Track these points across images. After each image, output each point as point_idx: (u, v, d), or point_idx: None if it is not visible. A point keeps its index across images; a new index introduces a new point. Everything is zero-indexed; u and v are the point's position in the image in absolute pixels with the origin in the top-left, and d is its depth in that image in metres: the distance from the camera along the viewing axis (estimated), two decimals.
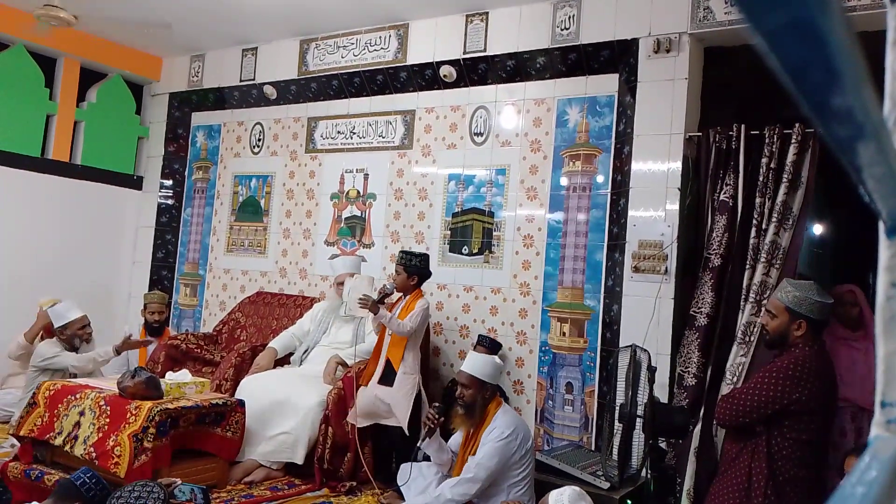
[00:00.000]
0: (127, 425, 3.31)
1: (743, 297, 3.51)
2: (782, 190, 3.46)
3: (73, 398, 3.59)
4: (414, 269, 4.04)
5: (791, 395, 2.53)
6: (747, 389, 2.68)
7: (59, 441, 3.47)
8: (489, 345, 4.28)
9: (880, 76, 0.53)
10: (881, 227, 0.58)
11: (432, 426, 3.25)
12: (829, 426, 2.68)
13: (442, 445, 3.37)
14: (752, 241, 3.52)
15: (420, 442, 3.37)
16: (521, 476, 3.21)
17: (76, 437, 3.42)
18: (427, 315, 4.05)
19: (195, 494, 2.64)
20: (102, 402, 3.47)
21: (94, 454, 3.29)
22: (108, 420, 3.39)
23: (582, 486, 2.70)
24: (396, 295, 4.14)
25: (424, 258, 4.11)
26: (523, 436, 3.24)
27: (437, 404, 3.39)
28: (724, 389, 3.37)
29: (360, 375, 4.03)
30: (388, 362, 3.99)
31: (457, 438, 3.44)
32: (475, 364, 3.30)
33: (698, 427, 3.49)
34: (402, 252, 4.18)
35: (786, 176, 3.46)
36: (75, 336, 4.29)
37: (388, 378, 3.98)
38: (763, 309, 3.08)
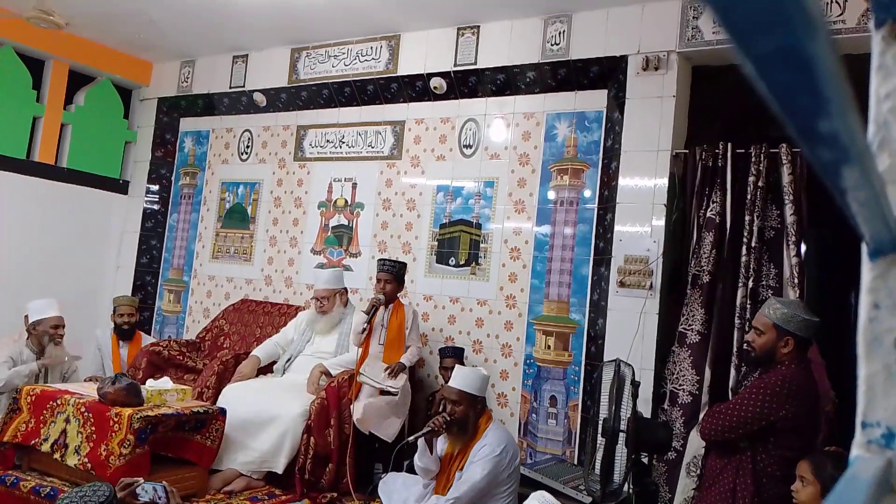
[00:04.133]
0: (113, 434, 3.29)
1: (737, 315, 3.52)
2: (788, 211, 3.48)
3: (55, 404, 3.55)
4: (401, 278, 4.10)
5: (778, 412, 2.54)
6: (734, 405, 2.69)
7: (45, 448, 3.43)
8: (454, 353, 4.28)
9: (864, 99, 0.54)
10: (864, 248, 0.59)
11: (437, 429, 3.14)
12: (814, 443, 2.69)
13: (437, 457, 3.34)
14: (742, 258, 3.54)
15: (412, 437, 3.26)
16: (506, 493, 3.19)
17: (66, 446, 3.39)
18: (418, 318, 4.19)
19: (157, 493, 2.60)
20: (83, 409, 3.43)
21: (89, 465, 3.27)
22: (93, 428, 3.36)
23: (564, 500, 2.69)
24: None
25: (405, 266, 4.26)
26: (513, 453, 3.20)
27: (445, 414, 3.21)
28: None
29: (350, 386, 4.02)
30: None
31: (441, 445, 3.40)
32: (463, 378, 3.21)
33: (696, 443, 3.48)
34: (385, 261, 4.20)
35: (786, 197, 3.49)
36: (46, 334, 4.21)
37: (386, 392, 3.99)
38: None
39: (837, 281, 4.17)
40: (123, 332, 5.07)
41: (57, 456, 3.39)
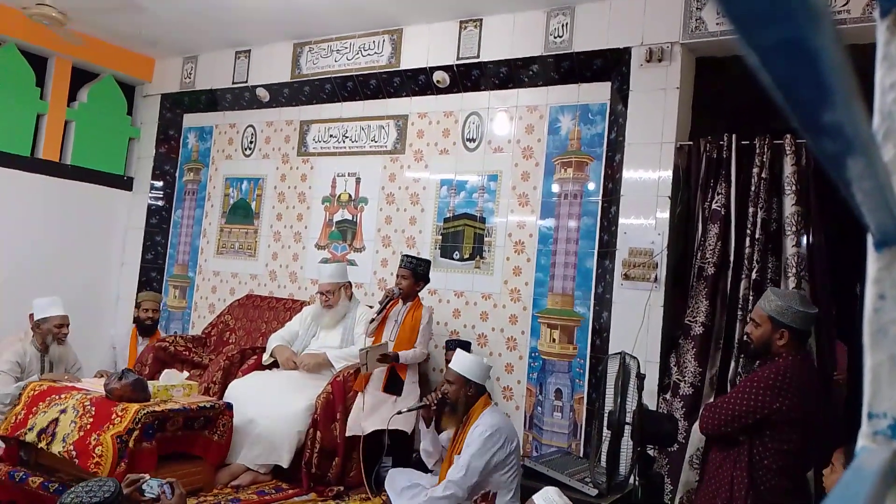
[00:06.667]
0: (111, 426, 3.27)
1: (740, 306, 3.52)
2: (788, 202, 3.46)
3: (56, 397, 3.56)
4: (421, 275, 4.07)
5: (772, 405, 2.53)
6: (729, 399, 2.69)
7: (30, 437, 3.40)
8: (460, 346, 4.26)
9: (869, 90, 0.54)
10: (869, 239, 0.58)
11: (429, 404, 3.32)
12: (813, 436, 2.68)
13: (436, 437, 3.42)
14: (746, 250, 3.53)
15: (406, 409, 3.56)
16: (506, 479, 3.21)
17: (53, 435, 3.36)
18: (432, 321, 4.12)
19: (163, 489, 2.61)
20: (88, 403, 3.44)
21: (73, 452, 3.24)
22: (91, 419, 3.34)
23: (570, 492, 2.70)
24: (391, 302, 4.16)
25: (428, 264, 4.17)
26: (507, 436, 3.25)
27: (439, 391, 3.39)
28: None
29: (354, 380, 4.02)
30: (393, 370, 3.99)
31: (447, 435, 3.45)
32: (460, 362, 3.37)
33: (698, 436, 3.48)
34: (407, 257, 4.16)
35: (788, 188, 3.47)
36: (49, 333, 4.22)
37: (393, 386, 3.98)
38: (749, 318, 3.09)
39: (844, 272, 4.15)
40: (145, 328, 5.13)
41: (42, 444, 3.35)
